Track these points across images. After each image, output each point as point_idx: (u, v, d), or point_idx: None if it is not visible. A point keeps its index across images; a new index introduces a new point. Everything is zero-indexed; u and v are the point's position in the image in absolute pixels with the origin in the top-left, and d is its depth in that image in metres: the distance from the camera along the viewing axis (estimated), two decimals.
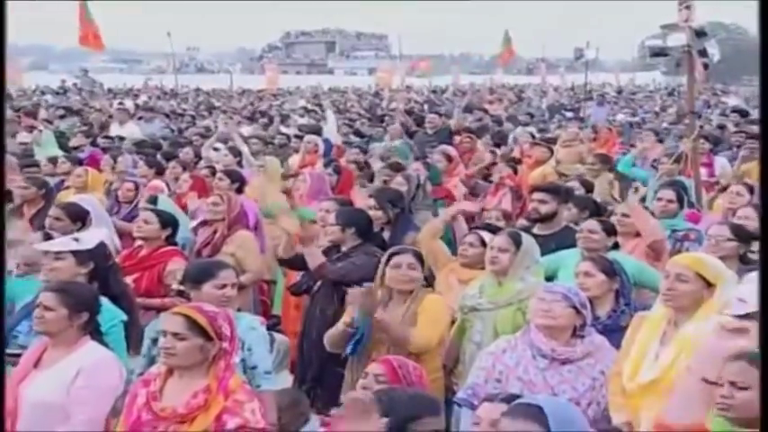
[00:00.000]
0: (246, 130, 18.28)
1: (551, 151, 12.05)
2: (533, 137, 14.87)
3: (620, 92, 42.90)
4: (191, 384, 4.28)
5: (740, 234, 6.39)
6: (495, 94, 34.99)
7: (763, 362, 2.95)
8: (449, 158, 11.59)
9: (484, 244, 6.41)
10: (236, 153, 12.32)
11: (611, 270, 5.61)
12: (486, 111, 24.19)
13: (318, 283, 6.64)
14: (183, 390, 4.27)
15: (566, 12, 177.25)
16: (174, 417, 4.21)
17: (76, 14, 18.52)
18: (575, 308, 4.85)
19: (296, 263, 6.85)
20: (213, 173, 10.33)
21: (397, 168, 9.86)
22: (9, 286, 5.83)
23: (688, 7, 9.95)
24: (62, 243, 5.82)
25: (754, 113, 24.12)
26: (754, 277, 5.61)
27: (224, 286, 5.22)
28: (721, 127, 17.97)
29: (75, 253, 5.63)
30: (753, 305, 4.09)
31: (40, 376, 4.73)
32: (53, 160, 11.26)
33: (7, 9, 3.37)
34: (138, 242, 7.30)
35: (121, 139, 15.45)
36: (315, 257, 6.56)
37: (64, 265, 5.59)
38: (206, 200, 8.31)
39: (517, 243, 5.92)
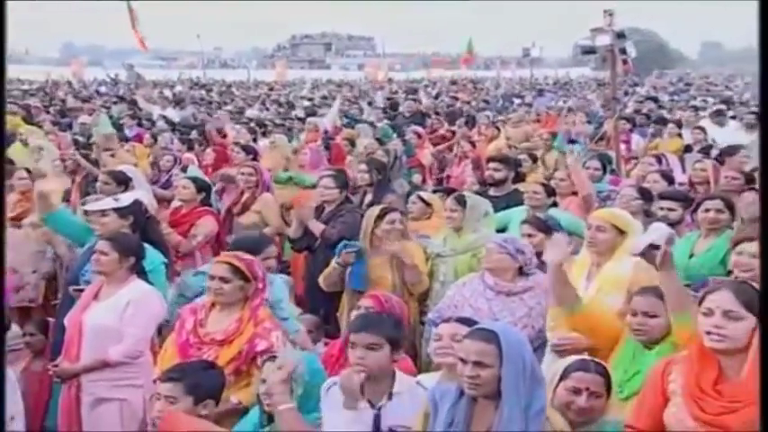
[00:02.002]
0: (260, 114, 18.25)
1: (498, 130, 12.33)
2: (489, 119, 14.89)
3: (556, 83, 42.78)
4: (229, 315, 4.33)
5: (644, 194, 6.41)
6: (457, 86, 34.93)
7: (763, 361, 2.65)
8: (419, 136, 11.78)
9: (423, 201, 6.71)
10: (252, 131, 12.29)
11: (545, 227, 5.63)
12: (456, 98, 24.20)
13: (318, 242, 6.61)
14: (223, 320, 4.33)
15: (515, 16, 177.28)
16: (214, 342, 4.25)
17: (128, 21, 18.39)
18: (509, 254, 4.91)
19: (301, 243, 6.79)
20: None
21: (381, 143, 9.92)
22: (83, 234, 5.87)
23: (611, 14, 10.04)
24: (105, 203, 5.79)
25: (664, 99, 24.23)
26: (656, 227, 5.68)
27: (267, 258, 5.18)
28: (637, 111, 18.02)
29: (116, 210, 5.62)
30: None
31: (99, 306, 4.77)
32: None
33: (7, 9, 3.24)
34: (177, 203, 7.26)
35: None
36: (317, 227, 6.55)
37: (109, 220, 5.57)
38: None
39: (462, 203, 5.94)
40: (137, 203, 5.81)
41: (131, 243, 5.00)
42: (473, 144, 11.30)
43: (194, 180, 7.23)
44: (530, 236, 5.52)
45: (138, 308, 4.69)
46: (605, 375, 3.53)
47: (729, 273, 4.79)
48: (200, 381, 3.53)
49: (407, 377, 3.72)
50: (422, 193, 7.02)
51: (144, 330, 4.71)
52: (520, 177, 8.03)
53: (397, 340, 3.64)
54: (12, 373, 4.16)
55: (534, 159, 9.40)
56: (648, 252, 4.09)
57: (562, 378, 3.48)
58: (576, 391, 3.43)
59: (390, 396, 3.55)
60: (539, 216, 6.05)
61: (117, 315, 4.65)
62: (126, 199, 5.82)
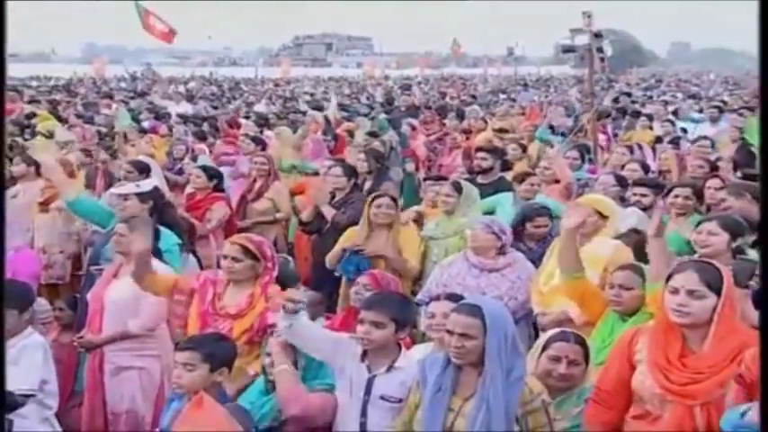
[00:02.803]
0: (267, 109, 18.21)
1: (486, 122, 12.35)
2: (477, 113, 14.87)
3: (538, 80, 42.69)
4: (242, 291, 4.33)
5: (621, 181, 6.43)
6: (448, 82, 34.88)
7: (763, 361, 2.50)
8: (412, 128, 11.76)
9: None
10: (260, 124, 12.27)
11: (523, 218, 5.63)
12: (445, 95, 24.15)
13: (327, 225, 6.57)
14: (236, 295, 4.33)
15: (500, 17, 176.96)
16: (229, 315, 4.27)
17: (149, 21, 18.22)
18: (494, 233, 4.94)
19: (312, 226, 6.75)
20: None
21: (376, 135, 9.93)
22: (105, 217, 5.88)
23: (589, 16, 10.04)
24: (127, 188, 5.80)
25: (636, 95, 24.20)
26: (631, 211, 5.70)
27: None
28: (615, 100, 18.20)
29: (138, 195, 5.61)
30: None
31: (118, 283, 4.79)
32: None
33: (7, 9, 3.02)
34: (190, 190, 7.30)
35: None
36: (329, 211, 6.53)
37: (130, 203, 5.56)
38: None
39: (459, 190, 5.94)
40: (156, 189, 5.80)
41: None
42: (467, 135, 11.35)
43: (204, 169, 7.24)
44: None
45: None
46: (583, 345, 3.56)
47: (695, 252, 4.82)
48: (215, 350, 3.55)
49: (412, 355, 3.72)
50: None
51: (158, 306, 4.68)
52: (507, 166, 8.03)
53: (402, 320, 3.64)
54: (45, 342, 4.18)
55: (524, 149, 9.41)
56: (629, 235, 4.15)
57: (544, 348, 3.51)
58: (557, 360, 3.47)
59: (390, 369, 3.56)
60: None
61: (134, 291, 4.64)
62: (146, 185, 5.81)
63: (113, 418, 4.63)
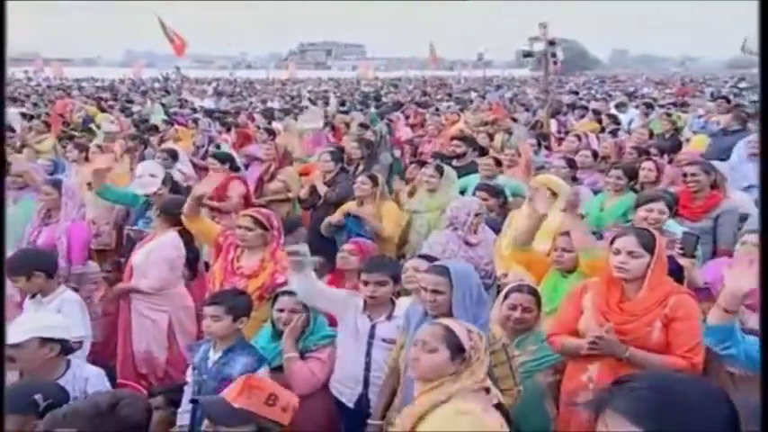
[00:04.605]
0: (277, 105, 18.09)
1: (459, 116, 12.32)
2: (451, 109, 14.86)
3: (503, 80, 42.52)
4: (254, 256, 4.34)
5: (571, 164, 6.43)
6: (428, 82, 34.71)
7: (763, 361, 2.31)
8: (397, 119, 11.72)
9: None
10: (269, 116, 12.19)
11: (495, 193, 5.65)
12: (426, 93, 24.03)
13: (320, 201, 6.59)
14: (250, 259, 4.34)
15: (472, 28, 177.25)
16: (244, 275, 4.27)
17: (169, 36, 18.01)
18: (468, 213, 4.88)
19: (308, 202, 6.76)
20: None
21: (367, 126, 9.89)
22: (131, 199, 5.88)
23: (545, 26, 10.00)
24: (148, 189, 5.77)
25: (583, 93, 24.16)
26: (578, 188, 5.70)
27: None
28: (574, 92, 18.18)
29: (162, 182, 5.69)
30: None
31: (141, 249, 4.84)
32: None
33: (7, 10, 2.79)
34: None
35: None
36: (322, 189, 6.53)
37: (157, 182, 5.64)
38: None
39: (441, 172, 5.94)
40: (168, 176, 5.85)
41: (170, 204, 4.95)
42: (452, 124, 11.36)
43: (215, 155, 7.20)
44: (484, 198, 5.49)
45: (156, 253, 4.71)
46: (536, 295, 3.60)
47: (628, 221, 4.84)
48: (236, 304, 3.55)
49: (402, 304, 3.71)
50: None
51: (158, 270, 4.66)
52: (484, 152, 7.96)
53: (397, 278, 3.72)
54: (79, 298, 4.16)
55: (491, 138, 9.46)
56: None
57: (504, 299, 3.55)
58: (513, 308, 3.51)
59: (389, 317, 3.60)
60: (490, 183, 6.02)
61: (146, 257, 4.70)
62: (158, 176, 5.83)
63: (136, 354, 4.71)
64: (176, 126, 11.10)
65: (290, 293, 3.75)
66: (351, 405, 3.61)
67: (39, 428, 2.47)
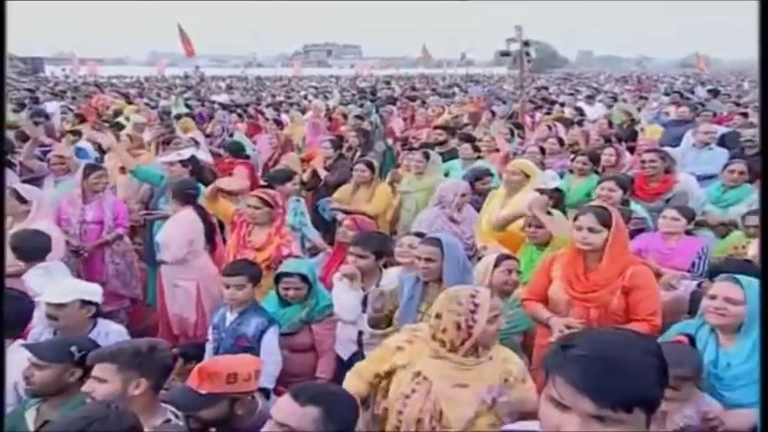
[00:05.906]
0: (284, 99, 17.92)
1: (443, 109, 12.22)
2: (436, 103, 14.75)
3: (483, 77, 42.20)
4: (262, 231, 4.33)
5: (543, 151, 6.44)
6: (417, 79, 34.44)
7: (763, 360, 2.09)
8: (390, 112, 11.63)
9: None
10: (276, 109, 12.11)
11: (474, 177, 5.59)
12: (415, 88, 23.84)
13: (320, 184, 6.55)
14: (258, 234, 4.33)
15: (457, 31, 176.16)
16: (253, 248, 4.26)
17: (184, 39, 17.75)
18: (455, 194, 4.83)
19: (309, 185, 6.69)
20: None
21: (363, 118, 9.83)
22: (157, 179, 5.76)
23: (520, 29, 9.93)
24: (171, 157, 5.69)
25: (552, 89, 24.04)
26: (552, 174, 5.67)
27: (294, 184, 5.20)
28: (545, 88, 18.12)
29: (180, 161, 5.55)
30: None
31: (162, 228, 4.82)
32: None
33: (7, 10, 2.53)
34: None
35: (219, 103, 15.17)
36: (322, 173, 6.50)
37: (175, 168, 5.52)
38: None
39: (427, 157, 5.87)
40: (193, 157, 5.73)
41: (181, 186, 4.88)
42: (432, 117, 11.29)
43: (224, 146, 7.18)
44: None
45: (171, 228, 4.67)
46: (518, 261, 3.62)
47: (591, 199, 4.85)
48: (254, 273, 3.56)
49: (392, 273, 3.70)
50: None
51: (174, 244, 4.59)
52: (471, 139, 7.82)
53: (381, 252, 3.70)
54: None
55: (475, 125, 9.44)
56: (552, 193, 4.21)
57: (496, 266, 3.48)
58: (509, 272, 3.47)
59: (377, 286, 3.58)
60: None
61: (165, 233, 4.68)
62: (186, 154, 5.73)
63: (171, 317, 4.70)
64: (184, 118, 11.02)
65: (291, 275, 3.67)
66: (345, 358, 3.64)
67: (76, 375, 2.52)
